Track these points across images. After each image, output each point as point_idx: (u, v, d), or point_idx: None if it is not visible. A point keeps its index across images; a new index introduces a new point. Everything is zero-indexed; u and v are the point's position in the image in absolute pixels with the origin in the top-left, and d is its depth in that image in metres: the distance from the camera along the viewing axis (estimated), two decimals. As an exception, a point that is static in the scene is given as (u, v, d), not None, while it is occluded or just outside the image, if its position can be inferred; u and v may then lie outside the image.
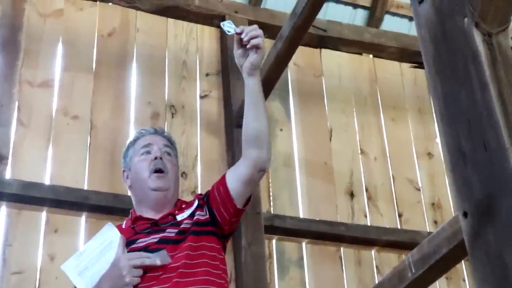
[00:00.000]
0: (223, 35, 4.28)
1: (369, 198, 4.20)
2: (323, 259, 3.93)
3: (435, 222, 4.24)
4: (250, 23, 4.25)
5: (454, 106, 1.74)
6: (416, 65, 4.73)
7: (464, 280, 4.14)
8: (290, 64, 4.15)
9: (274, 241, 3.88)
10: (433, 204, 4.33)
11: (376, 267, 4.00)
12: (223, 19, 4.27)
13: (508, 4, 1.75)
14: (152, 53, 4.13)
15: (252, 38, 2.25)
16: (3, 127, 3.57)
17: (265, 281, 3.60)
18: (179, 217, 2.38)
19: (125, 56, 4.06)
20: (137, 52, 4.09)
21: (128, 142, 2.66)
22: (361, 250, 4.02)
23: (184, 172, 3.80)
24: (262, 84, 2.39)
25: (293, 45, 3.57)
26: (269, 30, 3.92)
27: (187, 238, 2.29)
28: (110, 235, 2.36)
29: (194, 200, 2.46)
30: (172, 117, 3.98)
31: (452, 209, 4.23)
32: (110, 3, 4.15)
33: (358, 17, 4.75)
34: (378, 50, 4.69)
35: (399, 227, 4.15)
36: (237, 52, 2.29)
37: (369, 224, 4.09)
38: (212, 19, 4.32)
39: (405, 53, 4.70)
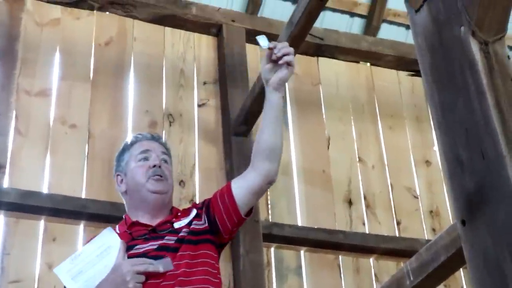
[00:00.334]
0: (220, 44, 4.29)
1: (367, 206, 4.20)
2: (321, 267, 3.92)
3: (433, 230, 4.24)
4: (248, 32, 4.27)
5: (452, 114, 1.75)
6: (413, 73, 4.74)
7: (462, 288, 4.14)
8: (288, 72, 4.15)
9: (272, 249, 3.87)
10: (431, 212, 4.33)
11: (375, 275, 4.00)
12: (220, 27, 4.29)
13: (504, 13, 1.75)
14: (150, 62, 4.14)
15: (284, 54, 2.26)
16: (0, 136, 3.57)
17: (263, 289, 3.60)
18: (177, 225, 2.38)
19: (122, 65, 4.06)
20: (135, 61, 4.10)
21: (123, 145, 2.63)
22: (359, 258, 4.02)
23: (182, 181, 3.80)
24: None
25: (290, 53, 3.56)
26: (266, 39, 3.92)
27: (182, 247, 2.29)
28: (109, 240, 2.33)
29: (191, 209, 2.46)
30: (170, 125, 3.98)
31: (450, 217, 4.22)
32: (107, 12, 4.16)
33: (355, 25, 4.76)
34: (375, 58, 4.70)
35: (397, 235, 4.15)
36: (265, 66, 2.30)
37: (367, 232, 4.09)
38: (209, 27, 4.33)
39: (402, 62, 4.71)
